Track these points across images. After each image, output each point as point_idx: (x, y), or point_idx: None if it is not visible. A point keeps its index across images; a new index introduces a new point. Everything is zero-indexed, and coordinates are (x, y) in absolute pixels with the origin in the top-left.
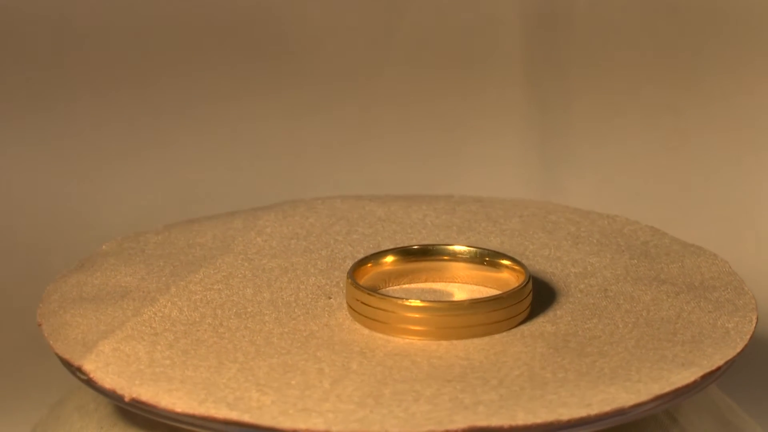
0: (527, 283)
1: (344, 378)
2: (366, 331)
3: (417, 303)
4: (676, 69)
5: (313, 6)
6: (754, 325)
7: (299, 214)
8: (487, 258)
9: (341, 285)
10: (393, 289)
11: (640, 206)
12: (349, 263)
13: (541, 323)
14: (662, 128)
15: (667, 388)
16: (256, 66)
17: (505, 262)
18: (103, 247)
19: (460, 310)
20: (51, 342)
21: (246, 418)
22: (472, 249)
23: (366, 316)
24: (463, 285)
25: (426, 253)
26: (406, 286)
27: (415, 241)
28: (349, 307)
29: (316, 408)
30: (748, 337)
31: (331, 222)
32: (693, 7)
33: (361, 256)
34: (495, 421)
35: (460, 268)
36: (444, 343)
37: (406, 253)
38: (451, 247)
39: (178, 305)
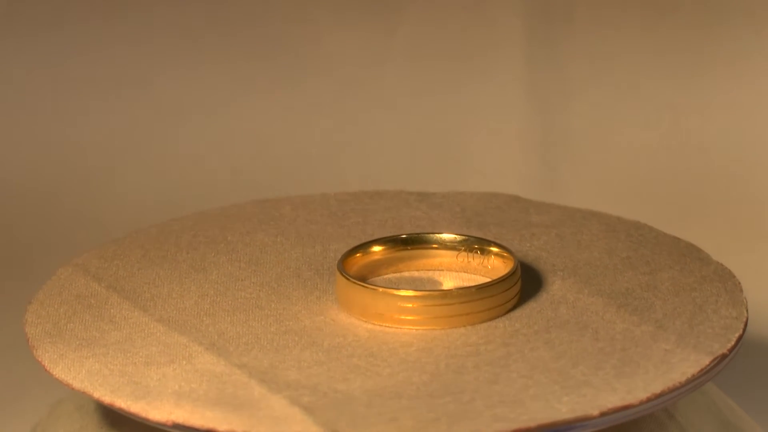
0: (516, 269)
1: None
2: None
3: (410, 293)
4: (676, 67)
5: (314, 4)
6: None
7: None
8: (475, 245)
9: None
10: (383, 278)
11: (641, 206)
12: (277, 269)
13: (554, 293)
14: (662, 127)
15: (741, 323)
16: (254, 62)
17: (494, 249)
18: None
19: (459, 298)
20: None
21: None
22: (459, 237)
23: (361, 308)
24: (452, 273)
25: (414, 241)
26: (396, 275)
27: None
28: (341, 299)
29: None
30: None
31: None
32: (693, 4)
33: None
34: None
35: (448, 256)
36: (492, 325)
37: (394, 242)
38: (438, 236)
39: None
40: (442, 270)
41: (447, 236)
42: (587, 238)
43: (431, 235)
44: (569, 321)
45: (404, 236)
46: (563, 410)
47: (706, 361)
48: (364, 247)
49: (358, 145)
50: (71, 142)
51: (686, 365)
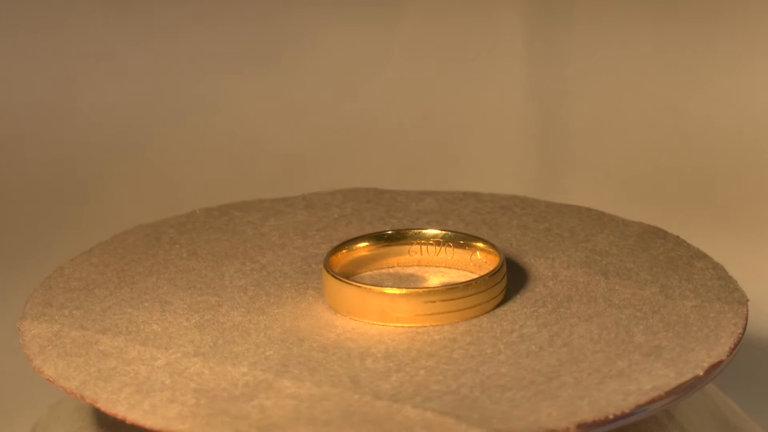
0: (503, 264)
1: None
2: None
3: (434, 289)
4: (676, 67)
5: (311, 6)
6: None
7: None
8: (461, 241)
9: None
10: (369, 274)
11: (640, 206)
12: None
13: (529, 272)
14: (662, 127)
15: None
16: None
17: (479, 244)
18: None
19: (476, 288)
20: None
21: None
22: (445, 232)
23: (379, 314)
24: (438, 268)
25: (400, 237)
26: (382, 271)
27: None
28: (348, 306)
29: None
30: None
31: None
32: (693, 3)
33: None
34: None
35: (434, 251)
36: (507, 311)
37: (379, 238)
38: (424, 231)
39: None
40: (430, 266)
41: (432, 231)
42: (489, 217)
43: (416, 230)
44: (573, 295)
45: (390, 232)
46: (671, 375)
47: (743, 310)
48: (348, 244)
49: (357, 144)
50: (64, 138)
51: (730, 317)
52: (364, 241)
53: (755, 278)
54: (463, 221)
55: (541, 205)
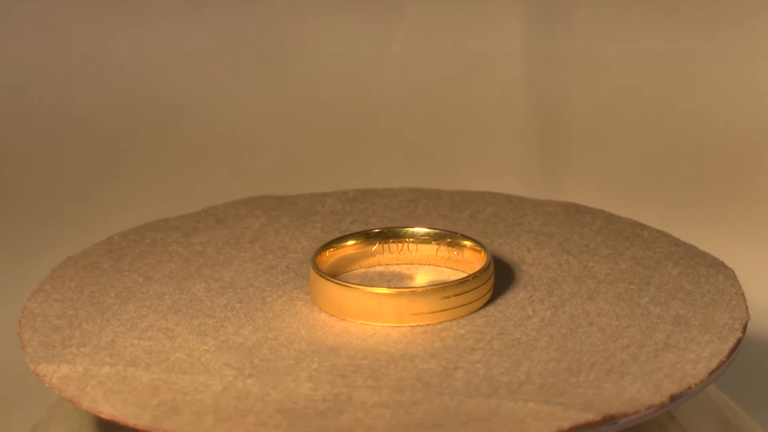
0: (490, 263)
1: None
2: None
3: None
4: (676, 66)
5: (312, 12)
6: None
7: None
8: (448, 239)
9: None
10: (356, 272)
11: (640, 206)
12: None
13: (503, 260)
14: (662, 127)
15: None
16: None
17: (467, 243)
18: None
19: (478, 282)
20: None
21: None
22: (433, 231)
23: (396, 315)
24: (426, 267)
25: (388, 235)
26: (370, 269)
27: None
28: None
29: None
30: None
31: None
32: (693, 4)
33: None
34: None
35: (421, 250)
36: (510, 299)
37: (367, 236)
38: (412, 230)
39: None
40: (418, 264)
41: (419, 230)
42: (405, 211)
43: (404, 229)
44: (555, 276)
45: (377, 230)
46: (716, 341)
47: (730, 272)
48: (337, 241)
49: (357, 144)
50: (65, 137)
51: (722, 279)
52: (353, 239)
53: (756, 278)
54: (385, 218)
55: (444, 195)
